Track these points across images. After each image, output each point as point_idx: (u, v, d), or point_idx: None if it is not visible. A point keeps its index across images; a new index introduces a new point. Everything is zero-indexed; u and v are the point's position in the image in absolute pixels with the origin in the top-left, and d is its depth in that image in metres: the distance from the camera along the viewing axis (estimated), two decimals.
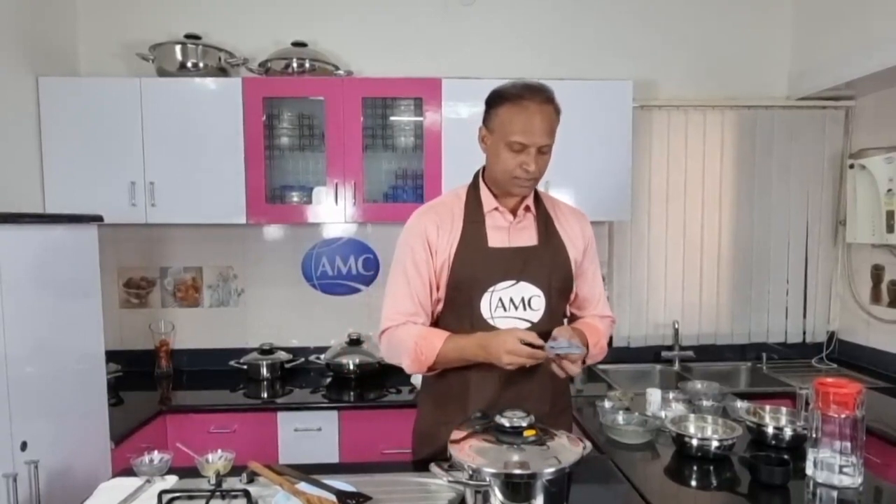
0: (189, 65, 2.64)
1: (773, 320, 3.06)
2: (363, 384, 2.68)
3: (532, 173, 1.43)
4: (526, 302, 1.48)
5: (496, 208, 1.52)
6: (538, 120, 1.40)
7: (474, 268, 1.47)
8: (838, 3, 2.70)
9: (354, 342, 2.81)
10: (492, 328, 1.45)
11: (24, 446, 1.62)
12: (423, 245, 1.49)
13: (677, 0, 2.98)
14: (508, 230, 1.51)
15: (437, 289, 1.51)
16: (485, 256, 1.47)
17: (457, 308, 1.50)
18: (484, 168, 1.56)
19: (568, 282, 1.55)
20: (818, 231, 3.03)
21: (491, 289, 1.46)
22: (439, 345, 1.44)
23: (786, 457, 1.52)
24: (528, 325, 1.47)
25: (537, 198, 1.57)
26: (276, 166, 2.76)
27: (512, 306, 1.47)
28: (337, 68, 2.76)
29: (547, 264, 1.50)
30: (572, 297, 1.62)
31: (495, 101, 1.46)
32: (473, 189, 1.55)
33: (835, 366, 2.93)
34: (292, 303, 2.98)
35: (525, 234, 1.52)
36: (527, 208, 1.53)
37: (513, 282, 1.47)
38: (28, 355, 1.67)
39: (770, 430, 1.71)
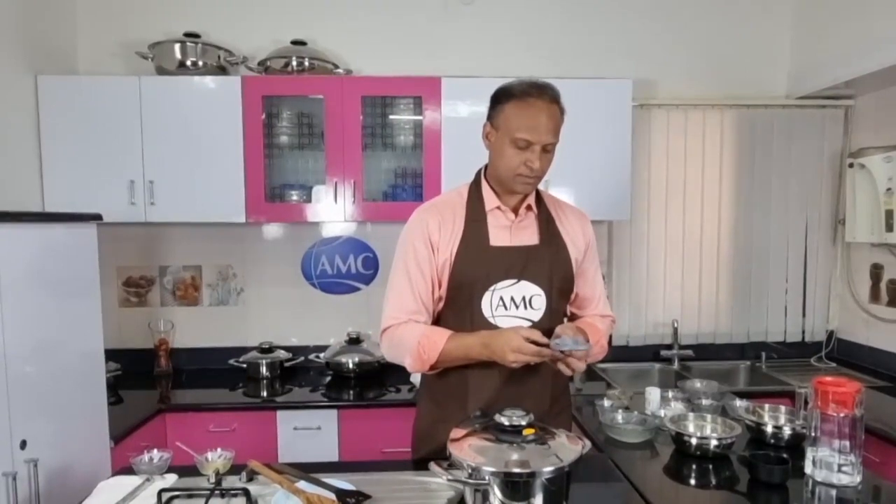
0: (188, 63, 2.63)
1: (772, 319, 3.06)
2: (363, 383, 2.68)
3: (536, 171, 1.43)
4: (527, 301, 1.48)
5: (498, 207, 1.51)
6: (544, 118, 1.40)
7: (475, 266, 1.47)
8: (837, 3, 2.70)
9: (354, 341, 2.81)
10: (493, 327, 1.45)
11: (23, 445, 1.62)
12: (425, 243, 1.49)
13: None
14: (510, 229, 1.51)
15: (439, 286, 1.51)
16: (486, 255, 1.47)
17: (458, 307, 1.50)
18: (486, 166, 1.56)
19: (569, 281, 1.55)
20: (817, 230, 3.04)
21: (492, 287, 1.46)
22: (442, 343, 1.44)
23: (785, 455, 1.52)
24: (529, 324, 1.47)
25: (539, 197, 1.57)
26: (275, 165, 2.76)
27: (513, 305, 1.47)
28: (336, 67, 2.75)
29: (548, 263, 1.50)
30: (573, 296, 1.62)
31: (501, 98, 1.45)
32: (475, 187, 1.55)
33: (834, 365, 2.93)
34: (292, 302, 2.98)
35: (526, 233, 1.52)
36: (528, 207, 1.53)
37: (514, 281, 1.47)
38: (27, 354, 1.66)
39: (769, 429, 1.72)
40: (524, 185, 1.47)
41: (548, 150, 1.44)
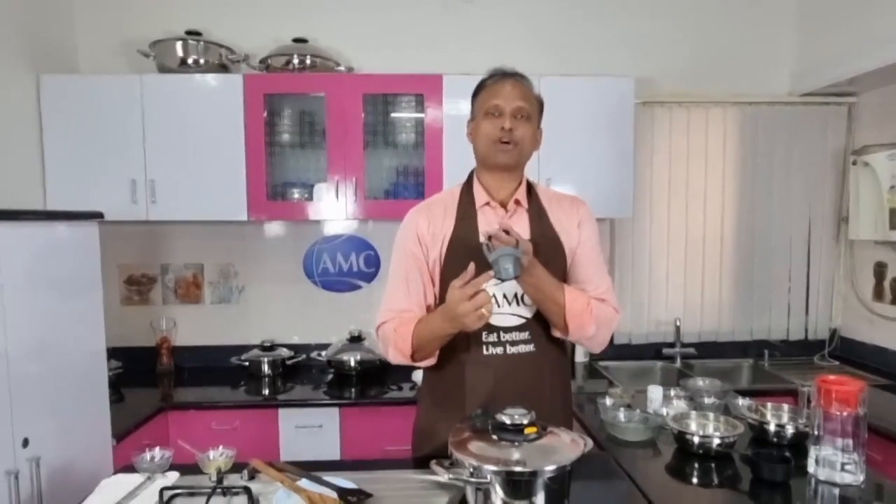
0: (190, 61, 2.63)
1: (775, 317, 3.06)
2: (364, 381, 2.68)
3: (509, 135, 1.45)
4: (519, 297, 1.47)
5: (487, 203, 1.52)
6: (508, 86, 1.49)
7: (464, 264, 1.45)
8: (840, 1, 2.69)
9: (355, 339, 2.81)
10: (485, 325, 1.42)
11: (25, 443, 1.63)
12: (415, 241, 1.50)
13: None
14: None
15: (433, 284, 1.51)
16: (475, 252, 1.46)
17: None
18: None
19: (562, 276, 1.53)
20: (820, 228, 3.03)
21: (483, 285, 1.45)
22: (412, 326, 1.45)
23: (787, 454, 1.52)
24: (523, 321, 1.48)
25: (530, 192, 1.56)
26: (277, 163, 2.76)
27: (504, 302, 1.47)
28: (338, 64, 2.75)
29: (539, 258, 1.48)
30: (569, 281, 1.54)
31: (475, 92, 1.56)
32: (467, 186, 1.57)
33: (837, 363, 2.93)
34: (293, 300, 2.98)
35: (516, 229, 1.50)
36: (517, 202, 1.53)
37: None
38: (29, 352, 1.67)
39: (772, 428, 1.72)
40: (504, 153, 1.48)
41: (521, 117, 1.47)
